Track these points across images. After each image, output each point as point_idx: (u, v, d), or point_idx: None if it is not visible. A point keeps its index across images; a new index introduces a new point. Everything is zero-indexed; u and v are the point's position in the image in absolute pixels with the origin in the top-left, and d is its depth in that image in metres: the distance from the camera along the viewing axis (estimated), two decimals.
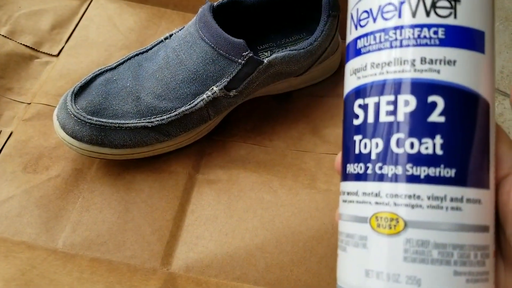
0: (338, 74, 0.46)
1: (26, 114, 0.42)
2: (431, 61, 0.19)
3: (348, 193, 0.21)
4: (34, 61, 0.45)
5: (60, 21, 0.48)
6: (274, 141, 0.41)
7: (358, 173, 0.21)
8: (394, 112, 0.19)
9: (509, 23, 0.53)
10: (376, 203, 0.20)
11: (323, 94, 0.44)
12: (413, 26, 0.19)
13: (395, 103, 0.19)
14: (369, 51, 0.21)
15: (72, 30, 0.48)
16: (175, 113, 0.36)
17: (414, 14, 0.19)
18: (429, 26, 0.19)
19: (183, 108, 0.36)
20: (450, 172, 0.19)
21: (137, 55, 0.39)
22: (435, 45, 0.19)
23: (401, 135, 0.19)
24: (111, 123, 0.35)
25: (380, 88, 0.20)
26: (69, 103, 0.35)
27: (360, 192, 0.20)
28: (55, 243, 0.35)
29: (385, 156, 0.20)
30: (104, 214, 0.37)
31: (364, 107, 0.21)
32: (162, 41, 0.39)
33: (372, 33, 0.21)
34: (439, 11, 0.19)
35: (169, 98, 0.36)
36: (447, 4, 0.19)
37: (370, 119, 0.20)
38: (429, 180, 0.19)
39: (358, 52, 0.21)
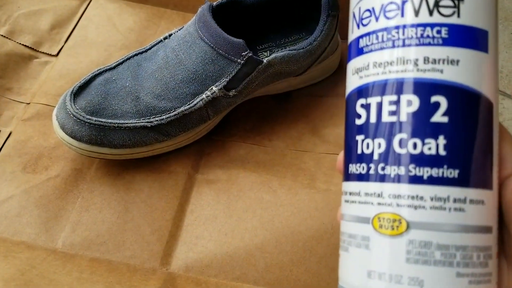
0: (338, 74, 0.46)
1: (25, 114, 0.42)
2: (434, 61, 0.19)
3: (350, 193, 0.21)
4: (33, 61, 0.45)
5: (60, 21, 0.48)
6: (274, 141, 0.41)
7: (360, 173, 0.21)
8: (396, 112, 0.19)
9: (509, 23, 0.53)
10: (379, 203, 0.19)
11: (322, 94, 0.44)
12: (416, 25, 0.19)
13: (397, 103, 0.19)
14: (371, 50, 0.20)
15: (71, 30, 0.48)
16: (175, 113, 0.36)
17: (417, 13, 0.19)
18: (432, 26, 0.19)
19: (182, 108, 0.36)
20: (454, 173, 0.19)
21: (136, 55, 0.39)
22: (438, 44, 0.19)
23: (403, 135, 0.19)
24: (110, 123, 0.35)
25: (382, 87, 0.20)
26: (68, 103, 0.35)
27: (363, 192, 0.20)
28: (54, 243, 0.35)
29: (388, 156, 0.19)
30: (104, 214, 0.37)
31: (367, 107, 0.20)
32: (161, 41, 0.39)
33: (374, 32, 0.20)
34: (442, 10, 0.19)
35: (168, 98, 0.36)
36: (450, 3, 0.19)
37: (373, 119, 0.20)
38: (432, 181, 0.19)
39: (360, 51, 0.21)
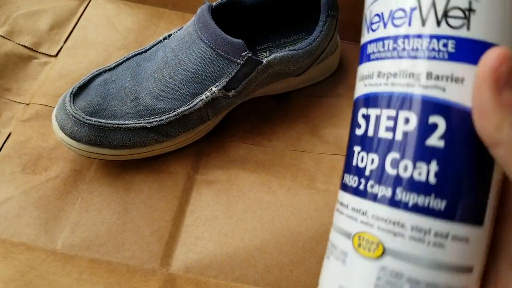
0: (337, 74, 0.46)
1: (24, 114, 0.42)
2: (437, 77, 0.17)
3: (341, 204, 0.21)
4: (32, 61, 0.45)
5: (59, 21, 0.48)
6: (273, 141, 0.41)
7: (351, 186, 0.20)
8: (393, 129, 0.18)
9: None
10: (362, 222, 0.19)
11: (322, 94, 0.44)
12: (422, 36, 0.18)
13: (395, 119, 0.18)
14: (377, 58, 0.19)
15: (70, 30, 0.48)
16: (174, 113, 0.36)
17: (424, 23, 0.18)
18: (438, 38, 0.18)
19: (182, 109, 0.36)
20: (440, 204, 0.17)
21: (135, 55, 0.38)
22: (443, 59, 0.17)
23: (396, 155, 0.18)
24: (109, 123, 0.35)
25: (383, 100, 0.19)
26: (68, 103, 0.35)
27: (350, 206, 0.20)
28: (54, 244, 0.35)
29: (379, 174, 0.18)
30: (103, 215, 0.37)
31: (367, 118, 0.19)
32: (160, 41, 0.39)
33: (381, 39, 0.19)
34: (451, 21, 0.17)
35: (168, 99, 0.36)
36: (460, 13, 0.17)
37: (370, 132, 0.19)
38: (416, 209, 0.17)
39: (367, 58, 0.20)
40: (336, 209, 0.21)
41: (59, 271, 0.33)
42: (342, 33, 0.46)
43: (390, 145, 0.18)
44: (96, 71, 0.38)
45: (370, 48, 0.20)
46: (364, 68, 0.20)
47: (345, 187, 0.21)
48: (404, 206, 0.18)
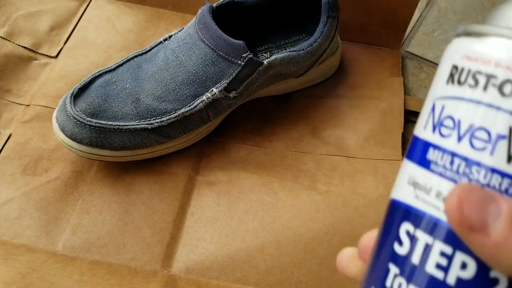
0: (338, 75, 0.46)
1: (25, 116, 0.42)
2: None
3: None
4: (32, 62, 0.45)
5: (59, 22, 0.48)
6: (274, 142, 0.41)
7: None
8: (445, 269, 0.15)
9: None
10: None
11: (322, 95, 0.44)
12: (504, 175, 0.14)
13: (450, 258, 0.15)
14: (440, 174, 0.16)
15: (70, 31, 0.47)
16: (175, 114, 0.36)
17: (510, 159, 0.14)
18: None
19: (182, 110, 0.36)
20: None
21: (136, 56, 0.38)
22: None
23: None
24: (110, 125, 0.35)
25: (440, 230, 0.15)
26: (68, 105, 0.35)
27: None
28: (55, 245, 0.35)
29: None
30: (104, 216, 0.37)
31: (412, 239, 0.16)
32: (161, 42, 0.39)
33: (451, 154, 0.16)
34: None
35: (168, 100, 0.36)
36: None
37: (415, 259, 0.16)
38: None
39: (426, 163, 0.16)
40: None
41: (60, 272, 0.33)
42: (343, 34, 0.46)
43: (438, 286, 0.15)
44: (97, 72, 0.37)
45: (433, 155, 0.16)
46: (418, 172, 0.17)
47: None
48: None
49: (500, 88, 0.15)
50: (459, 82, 0.16)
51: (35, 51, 0.46)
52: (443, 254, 0.15)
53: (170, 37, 0.39)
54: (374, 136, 0.41)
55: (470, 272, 0.15)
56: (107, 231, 0.36)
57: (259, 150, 0.41)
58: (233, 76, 0.36)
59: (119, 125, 0.35)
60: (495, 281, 0.15)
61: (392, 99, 0.44)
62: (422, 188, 0.16)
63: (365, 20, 0.46)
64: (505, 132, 0.15)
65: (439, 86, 0.17)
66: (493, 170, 0.15)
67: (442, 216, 0.15)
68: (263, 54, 0.43)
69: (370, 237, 0.19)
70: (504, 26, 0.16)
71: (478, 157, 0.15)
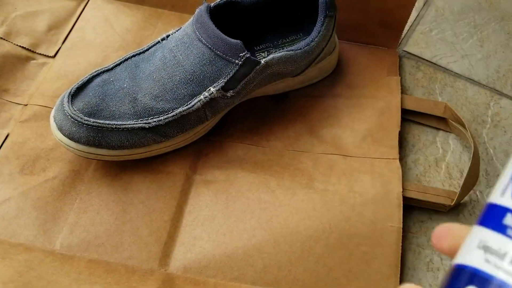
0: (335, 75, 0.46)
1: (22, 115, 0.42)
2: None
3: None
4: (30, 62, 0.45)
5: (57, 22, 0.48)
6: (271, 141, 0.41)
7: None
8: None
9: (505, 23, 0.53)
10: None
11: (320, 95, 0.44)
12: None
13: None
14: None
15: (68, 31, 0.48)
16: (172, 114, 0.36)
17: None
18: None
19: (180, 109, 0.36)
20: None
21: (134, 56, 0.39)
22: None
23: None
24: (108, 124, 0.35)
25: None
26: (66, 104, 0.35)
27: None
28: (52, 244, 0.35)
29: None
30: (102, 215, 0.37)
31: None
32: (159, 42, 0.39)
33: None
34: None
35: (166, 99, 0.36)
36: None
37: None
38: None
39: (501, 228, 0.16)
40: None
41: (57, 271, 0.33)
42: (340, 34, 0.46)
43: None
44: (94, 72, 0.38)
45: (509, 220, 0.16)
46: (492, 238, 0.17)
47: None
48: None
49: None
50: None
51: (33, 51, 0.46)
52: None
53: (167, 36, 0.39)
54: (371, 135, 0.42)
55: None
56: (105, 230, 0.36)
57: (257, 149, 0.41)
58: (231, 75, 0.36)
59: (116, 124, 0.35)
60: None
61: (389, 98, 0.44)
62: (495, 253, 0.16)
63: (363, 20, 0.46)
64: None
65: None
66: None
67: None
68: (261, 53, 0.43)
69: (446, 228, 0.20)
70: None
71: None
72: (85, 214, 0.37)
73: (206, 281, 0.34)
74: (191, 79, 0.36)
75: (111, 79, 0.37)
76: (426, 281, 0.37)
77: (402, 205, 0.38)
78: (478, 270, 0.16)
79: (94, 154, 0.36)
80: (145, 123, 0.36)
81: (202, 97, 0.36)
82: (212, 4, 0.38)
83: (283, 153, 0.41)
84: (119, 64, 0.38)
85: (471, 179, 0.39)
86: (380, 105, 0.43)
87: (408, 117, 0.45)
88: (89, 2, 0.50)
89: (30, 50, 0.46)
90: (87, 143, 0.35)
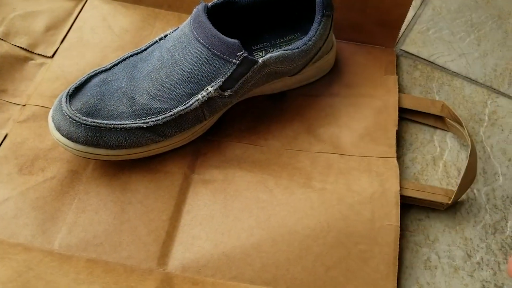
0: (332, 74, 0.46)
1: (21, 116, 0.42)
2: None
3: None
4: (28, 62, 0.45)
5: (55, 23, 0.48)
6: (269, 141, 0.41)
7: None
8: None
9: (502, 22, 0.53)
10: None
11: (317, 94, 0.44)
12: None
13: None
14: None
15: (66, 31, 0.48)
16: (170, 113, 0.36)
17: None
18: None
19: (178, 109, 0.36)
20: None
21: (131, 56, 0.39)
22: None
23: None
24: (106, 124, 0.35)
25: None
26: (64, 104, 0.35)
27: None
28: (51, 244, 0.35)
29: None
30: (100, 215, 0.37)
31: None
32: (156, 41, 0.39)
33: None
34: None
35: (164, 99, 0.36)
36: None
37: None
38: None
39: None
40: None
41: (56, 271, 0.33)
42: (337, 33, 0.46)
43: None
44: (92, 72, 0.38)
45: None
46: None
47: None
48: None
49: None
50: None
51: (31, 51, 0.46)
52: None
53: (165, 36, 0.39)
54: (368, 134, 0.42)
55: None
56: (103, 230, 0.36)
57: (255, 149, 0.41)
58: (228, 74, 0.36)
59: (114, 124, 0.35)
60: None
61: (386, 97, 0.44)
62: None
63: (360, 19, 0.46)
64: None
65: None
66: None
67: None
68: (258, 53, 0.43)
69: None
70: None
71: None
72: (83, 214, 0.37)
73: (204, 280, 0.34)
74: (188, 79, 0.36)
75: (109, 79, 0.37)
76: (423, 279, 0.37)
77: (399, 203, 0.38)
78: None
79: (92, 154, 0.36)
80: (143, 122, 0.36)
81: (200, 96, 0.36)
82: (209, 4, 0.38)
83: (281, 152, 0.41)
84: (117, 64, 0.38)
85: (469, 178, 0.39)
86: (378, 104, 0.44)
87: (406, 115, 0.45)
88: (87, 3, 0.50)
89: (28, 50, 0.46)
90: (85, 143, 0.36)
